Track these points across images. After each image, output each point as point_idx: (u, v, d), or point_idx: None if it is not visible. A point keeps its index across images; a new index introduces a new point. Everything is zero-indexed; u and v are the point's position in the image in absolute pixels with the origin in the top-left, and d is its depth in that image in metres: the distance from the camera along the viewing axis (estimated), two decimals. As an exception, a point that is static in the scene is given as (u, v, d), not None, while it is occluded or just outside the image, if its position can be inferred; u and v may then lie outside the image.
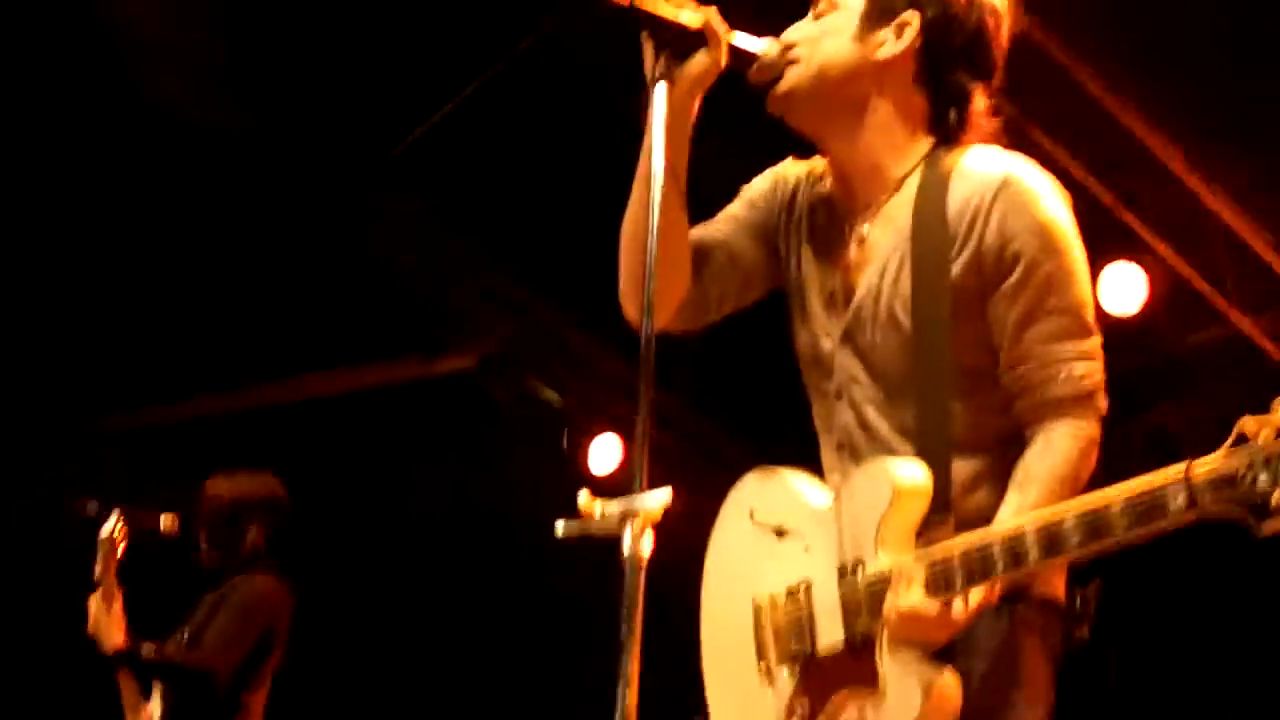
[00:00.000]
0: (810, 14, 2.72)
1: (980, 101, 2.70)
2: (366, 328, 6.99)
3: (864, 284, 2.63)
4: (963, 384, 2.56)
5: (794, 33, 2.68)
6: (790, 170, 2.86)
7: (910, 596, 2.36)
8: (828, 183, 2.78)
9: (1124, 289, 6.52)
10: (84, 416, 7.31)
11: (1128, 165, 6.15)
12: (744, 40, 2.64)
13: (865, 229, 2.67)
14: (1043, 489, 2.46)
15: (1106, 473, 7.27)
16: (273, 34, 5.68)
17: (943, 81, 2.66)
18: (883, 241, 2.63)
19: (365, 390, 7.27)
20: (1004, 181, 2.55)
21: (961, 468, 2.54)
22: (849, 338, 2.65)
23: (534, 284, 6.87)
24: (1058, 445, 2.51)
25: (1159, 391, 7.05)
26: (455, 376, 7.06)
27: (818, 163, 2.82)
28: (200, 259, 6.54)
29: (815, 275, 2.74)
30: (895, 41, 2.60)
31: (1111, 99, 5.95)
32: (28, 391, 6.96)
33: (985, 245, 2.52)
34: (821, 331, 2.72)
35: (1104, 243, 6.39)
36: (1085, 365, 2.55)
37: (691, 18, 2.56)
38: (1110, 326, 6.33)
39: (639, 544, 2.26)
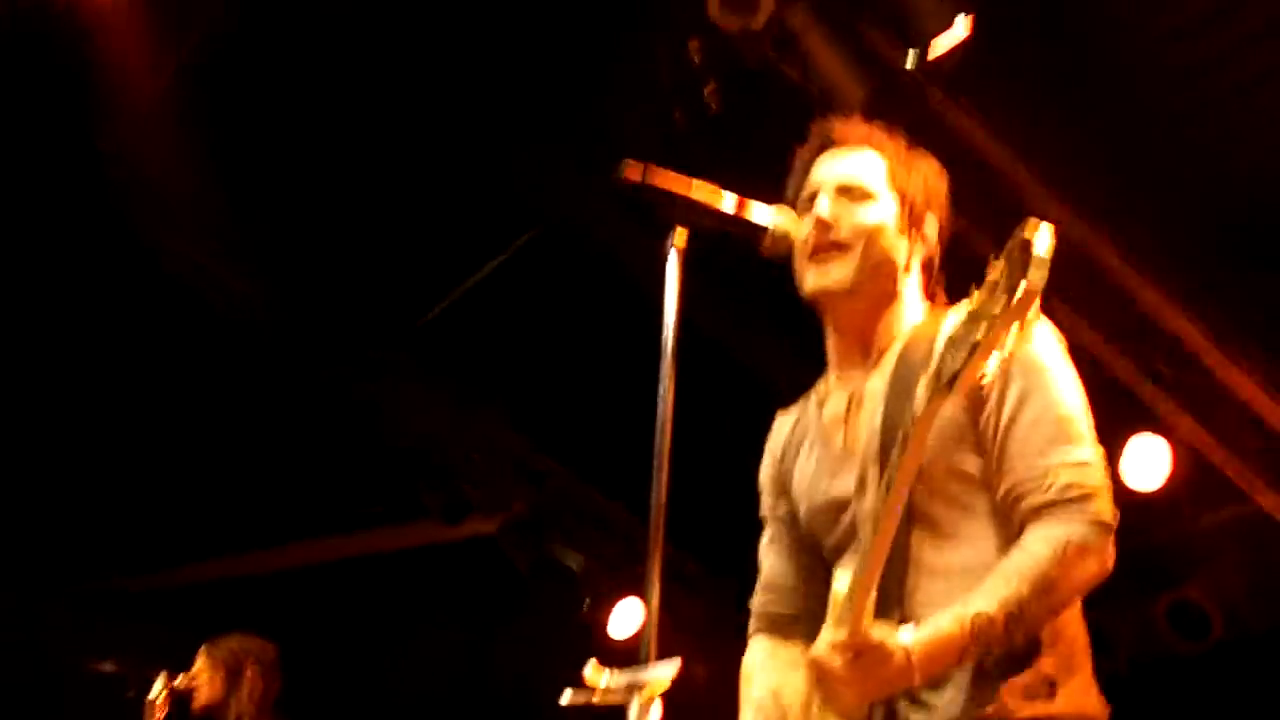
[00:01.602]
0: (833, 193, 2.83)
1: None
2: (390, 493, 7.02)
3: (864, 431, 2.75)
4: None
5: (834, 214, 2.81)
6: (781, 425, 3.02)
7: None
8: (821, 388, 2.93)
9: (1147, 464, 6.53)
10: (121, 576, 7.34)
11: (1148, 339, 6.19)
12: (754, 212, 2.70)
13: (862, 384, 2.80)
14: (994, 580, 2.49)
15: (1132, 649, 7.18)
16: (302, 206, 5.81)
17: (934, 270, 2.91)
18: (878, 389, 2.75)
19: (388, 554, 7.28)
20: None
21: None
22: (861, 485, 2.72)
23: (556, 450, 6.91)
24: (1027, 546, 2.51)
25: (1183, 567, 7.01)
26: (477, 541, 7.06)
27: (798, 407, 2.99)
28: (228, 424, 6.60)
29: (821, 449, 2.86)
30: (921, 248, 2.85)
31: (1131, 275, 6.02)
32: (32, 553, 6.98)
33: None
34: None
35: (1126, 418, 6.44)
36: (1073, 473, 2.55)
37: (703, 193, 2.63)
38: (1132, 502, 6.46)
39: (645, 716, 2.26)
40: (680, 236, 2.59)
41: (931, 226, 2.87)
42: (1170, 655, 6.94)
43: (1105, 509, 2.55)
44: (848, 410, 2.81)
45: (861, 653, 2.39)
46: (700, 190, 2.63)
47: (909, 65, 5.15)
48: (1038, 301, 2.10)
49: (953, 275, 2.89)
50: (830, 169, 2.86)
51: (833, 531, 2.77)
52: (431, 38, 5.38)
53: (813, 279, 2.80)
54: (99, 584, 7.40)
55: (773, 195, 2.84)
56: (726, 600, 7.58)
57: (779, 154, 3.04)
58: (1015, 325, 2.11)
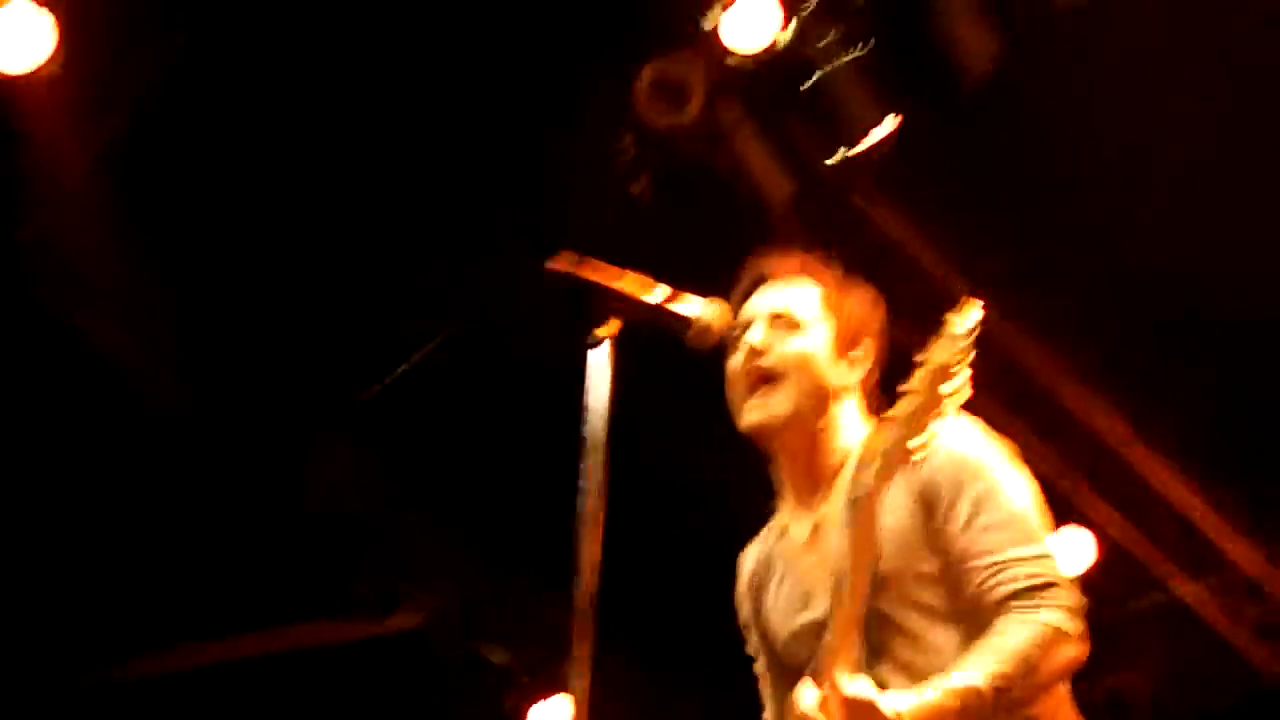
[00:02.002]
0: (766, 321, 2.93)
1: None
2: (314, 586, 6.94)
3: (832, 555, 2.77)
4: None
5: (765, 342, 2.91)
6: (745, 563, 3.09)
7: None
8: (779, 520, 3.00)
9: (1071, 554, 6.61)
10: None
11: (1068, 433, 6.28)
12: (680, 305, 2.72)
13: (820, 510, 2.86)
14: (978, 656, 2.53)
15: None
16: (227, 292, 5.78)
17: (873, 388, 2.97)
18: (837, 512, 2.80)
19: (311, 649, 7.18)
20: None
21: None
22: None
23: (484, 545, 6.88)
24: (1006, 629, 2.56)
25: (1108, 655, 7.06)
26: (403, 636, 6.99)
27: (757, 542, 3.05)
28: (145, 516, 6.51)
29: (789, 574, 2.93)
30: (859, 368, 2.94)
31: (1051, 370, 6.13)
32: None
33: (917, 493, 2.68)
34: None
35: (1051, 510, 6.51)
36: (1036, 565, 2.61)
37: (633, 285, 2.65)
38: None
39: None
40: (611, 327, 2.60)
41: (867, 349, 2.95)
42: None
43: (1074, 595, 2.61)
44: (812, 536, 2.87)
45: (852, 707, 2.39)
46: (631, 282, 2.65)
47: (833, 161, 5.25)
48: (963, 378, 2.15)
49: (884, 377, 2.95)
50: (764, 300, 2.96)
51: (813, 659, 2.76)
52: (361, 125, 5.40)
53: (751, 414, 2.88)
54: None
55: (706, 288, 2.87)
56: (659, 699, 7.57)
57: (710, 247, 3.09)
58: (942, 405, 2.15)
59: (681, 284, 2.76)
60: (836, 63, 4.95)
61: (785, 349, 2.88)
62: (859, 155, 5.18)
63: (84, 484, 6.38)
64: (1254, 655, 6.92)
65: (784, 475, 2.95)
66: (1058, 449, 6.31)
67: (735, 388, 2.91)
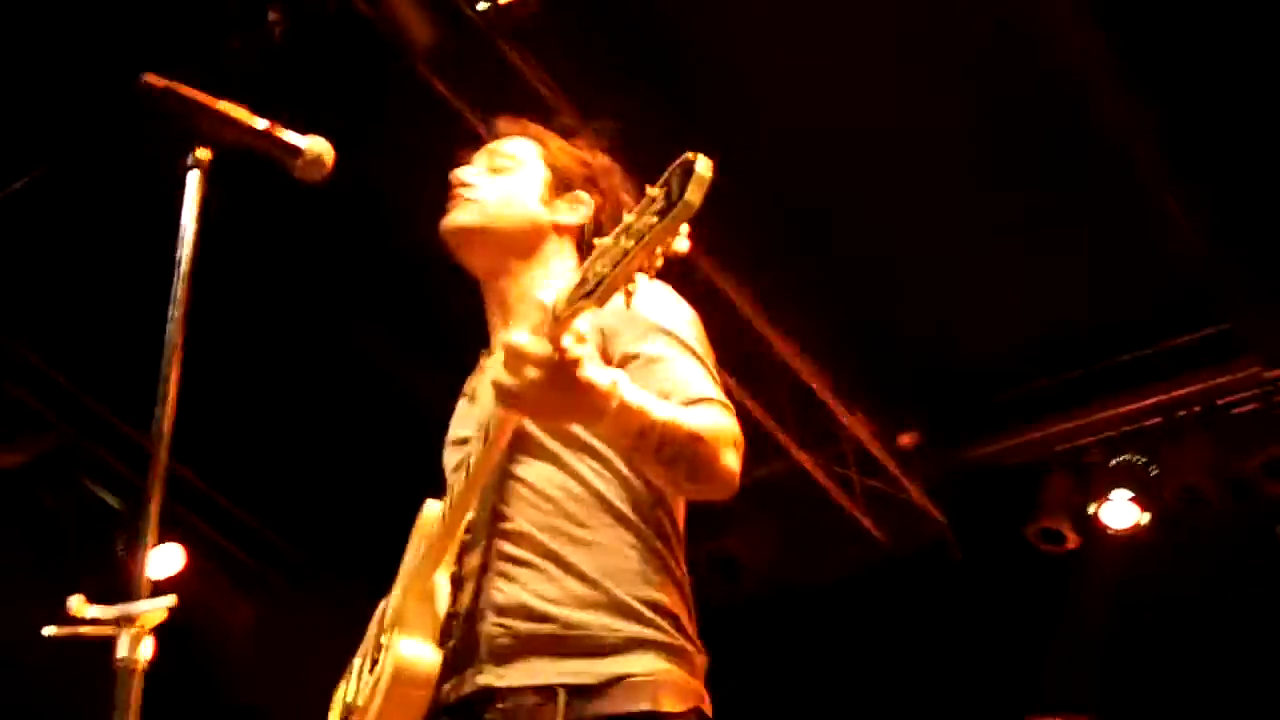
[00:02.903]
0: (480, 159, 3.02)
1: None
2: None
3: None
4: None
5: (470, 175, 2.98)
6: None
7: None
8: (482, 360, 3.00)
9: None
10: None
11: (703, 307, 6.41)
12: (288, 133, 2.61)
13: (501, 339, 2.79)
14: (663, 403, 2.48)
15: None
16: None
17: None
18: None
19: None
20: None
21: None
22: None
23: (91, 386, 6.63)
24: (694, 410, 2.52)
25: (724, 519, 7.32)
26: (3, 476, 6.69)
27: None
28: None
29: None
30: (569, 212, 2.97)
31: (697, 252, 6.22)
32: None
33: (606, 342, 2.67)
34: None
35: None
36: (706, 383, 2.62)
37: (235, 110, 2.52)
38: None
39: (135, 649, 2.17)
40: (203, 154, 2.46)
41: (585, 200, 2.97)
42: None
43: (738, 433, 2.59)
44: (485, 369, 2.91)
45: (565, 353, 2.25)
46: (227, 107, 2.52)
47: (483, 7, 5.17)
48: (685, 228, 2.07)
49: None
50: (483, 150, 3.05)
51: (453, 473, 2.78)
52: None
53: (442, 220, 2.94)
54: None
55: (328, 137, 2.75)
56: (272, 545, 7.49)
57: (339, 93, 2.97)
58: (665, 243, 2.07)
59: (305, 132, 2.65)
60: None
61: (491, 180, 2.97)
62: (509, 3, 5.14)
63: None
64: (863, 525, 7.27)
65: (488, 311, 2.97)
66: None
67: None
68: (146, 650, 2.19)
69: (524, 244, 2.91)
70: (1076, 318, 6.67)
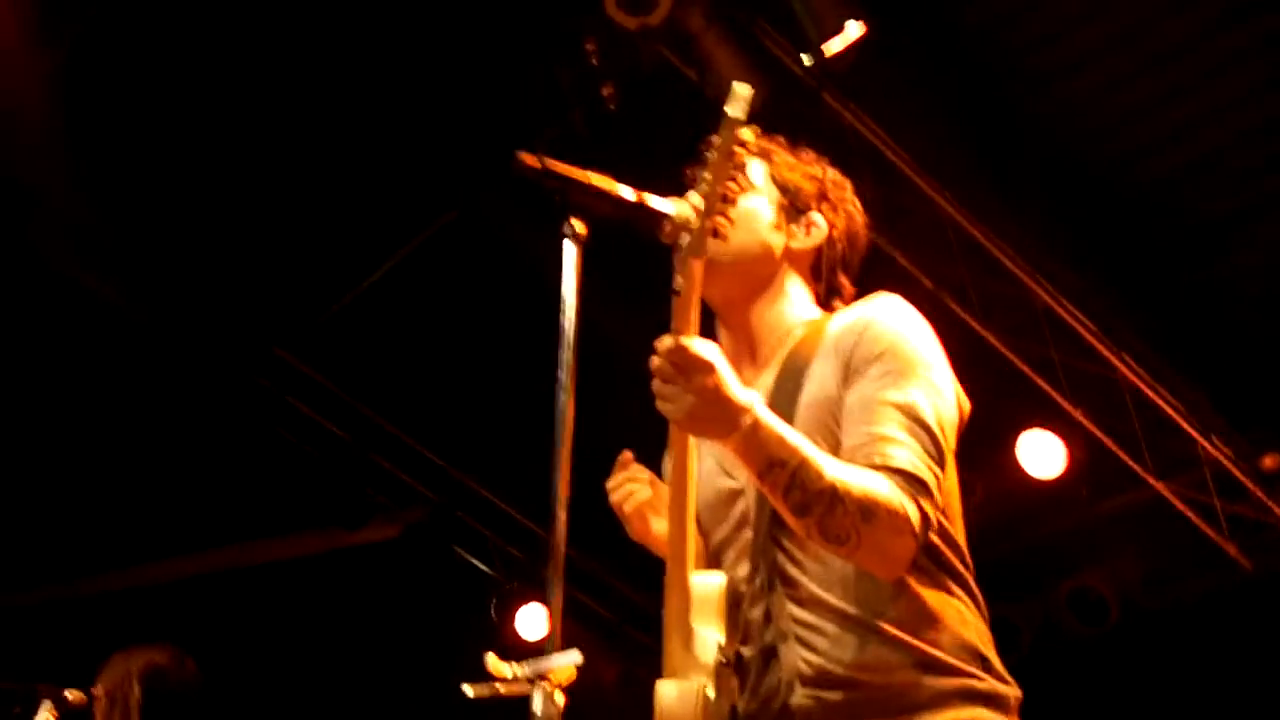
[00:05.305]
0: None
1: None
2: (291, 500, 6.96)
3: None
4: None
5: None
6: None
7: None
8: None
9: (1044, 454, 6.68)
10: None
11: (1042, 333, 6.31)
12: (654, 200, 2.69)
13: (759, 382, 2.75)
14: (834, 460, 2.41)
15: (1035, 642, 7.28)
16: (192, 206, 5.74)
17: (829, 275, 2.89)
18: (767, 385, 2.73)
19: (290, 561, 7.21)
20: (868, 312, 2.67)
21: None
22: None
23: (459, 457, 6.89)
24: (874, 474, 2.42)
25: (1083, 553, 7.16)
26: (380, 546, 7.02)
27: None
28: (122, 432, 6.51)
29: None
30: (804, 237, 2.85)
31: (1025, 272, 6.15)
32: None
33: (845, 360, 2.61)
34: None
35: (1023, 409, 6.56)
36: (918, 458, 2.46)
37: (602, 182, 2.61)
38: (1031, 490, 6.58)
39: (549, 706, 2.25)
40: (578, 226, 2.52)
41: (819, 223, 2.86)
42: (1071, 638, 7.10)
43: (935, 511, 2.47)
44: None
45: (685, 354, 2.31)
46: (598, 180, 2.61)
47: (806, 64, 5.21)
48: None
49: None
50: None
51: (721, 527, 2.73)
52: (324, 32, 5.34)
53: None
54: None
55: (668, 197, 2.84)
56: (632, 601, 7.64)
57: (677, 155, 3.04)
58: (732, 164, 2.24)
59: (647, 189, 2.74)
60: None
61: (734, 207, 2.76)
62: (832, 56, 5.15)
63: (53, 400, 6.37)
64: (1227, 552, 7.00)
65: (724, 347, 2.80)
66: (1029, 347, 6.35)
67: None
68: (558, 705, 2.28)
69: (762, 275, 2.82)
70: None
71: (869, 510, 2.36)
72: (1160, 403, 6.55)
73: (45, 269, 5.82)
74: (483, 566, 7.21)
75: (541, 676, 2.27)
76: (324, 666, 7.44)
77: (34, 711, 4.97)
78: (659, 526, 2.81)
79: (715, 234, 2.51)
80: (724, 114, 2.31)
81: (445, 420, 6.70)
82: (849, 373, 2.59)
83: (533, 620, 7.18)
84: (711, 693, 2.49)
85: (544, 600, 7.45)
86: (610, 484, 2.85)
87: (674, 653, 2.54)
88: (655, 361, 2.35)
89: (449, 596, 7.25)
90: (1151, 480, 6.67)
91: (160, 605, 7.03)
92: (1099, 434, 6.51)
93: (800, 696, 2.50)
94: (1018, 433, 6.68)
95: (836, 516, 2.35)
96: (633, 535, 2.87)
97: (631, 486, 2.84)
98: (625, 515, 2.84)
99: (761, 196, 2.86)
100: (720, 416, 2.34)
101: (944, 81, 5.57)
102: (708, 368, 2.32)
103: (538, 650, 2.33)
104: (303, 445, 6.71)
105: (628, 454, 2.88)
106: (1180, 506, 6.81)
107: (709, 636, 2.57)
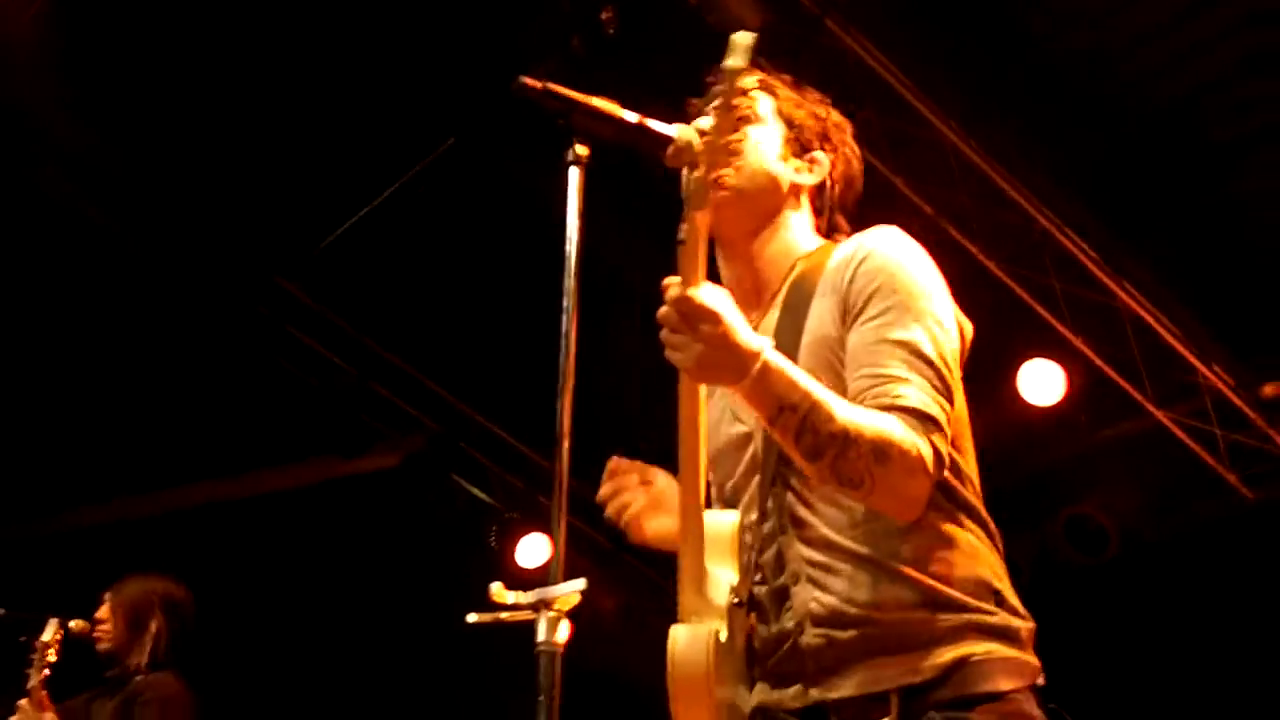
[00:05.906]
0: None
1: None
2: (290, 429, 6.96)
3: None
4: None
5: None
6: None
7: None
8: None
9: (1044, 382, 6.67)
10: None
11: (1042, 261, 6.29)
12: (657, 124, 2.66)
13: (764, 323, 2.74)
14: (844, 401, 2.39)
15: (1032, 565, 7.29)
16: (192, 134, 5.70)
17: (828, 211, 2.88)
18: (771, 325, 2.72)
19: (290, 490, 7.22)
20: (864, 244, 2.65)
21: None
22: None
23: (459, 385, 6.88)
24: (889, 416, 2.40)
25: (1082, 482, 7.17)
26: (379, 475, 7.03)
27: None
28: (120, 362, 6.50)
29: None
30: (808, 173, 2.84)
31: (1027, 200, 6.12)
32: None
33: (843, 296, 2.59)
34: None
35: (1023, 337, 6.56)
36: (912, 389, 2.44)
37: (607, 105, 2.58)
38: (1031, 419, 6.58)
39: (553, 632, 2.25)
40: (580, 150, 2.49)
41: (821, 160, 2.85)
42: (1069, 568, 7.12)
43: (946, 445, 2.45)
44: None
45: (691, 303, 2.27)
46: (600, 102, 2.57)
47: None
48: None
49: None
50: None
51: (734, 472, 2.73)
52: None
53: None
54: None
55: (669, 121, 2.80)
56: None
57: (676, 81, 3.00)
58: (735, 109, 2.20)
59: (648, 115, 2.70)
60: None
61: (742, 137, 2.79)
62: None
63: (52, 330, 6.35)
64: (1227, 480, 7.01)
65: (727, 282, 2.81)
66: (1030, 277, 6.32)
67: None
68: (564, 633, 2.27)
69: (768, 206, 2.80)
70: None
71: (882, 452, 2.35)
72: (1161, 331, 6.54)
73: (44, 197, 5.78)
74: (483, 496, 7.21)
75: (546, 603, 2.27)
76: (324, 596, 7.47)
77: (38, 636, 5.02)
78: (656, 525, 2.79)
79: (719, 185, 2.51)
80: (724, 69, 2.21)
81: (445, 349, 6.69)
82: (847, 309, 2.58)
83: (533, 550, 7.19)
84: (724, 635, 2.48)
85: (544, 529, 7.54)
86: (601, 495, 2.80)
87: (688, 599, 2.52)
88: (663, 311, 2.32)
89: (449, 526, 7.26)
90: (1152, 408, 6.67)
91: (160, 535, 7.04)
92: (1099, 362, 6.50)
93: (811, 636, 2.51)
94: (1018, 361, 6.68)
95: (850, 459, 2.34)
96: (633, 541, 2.84)
97: (625, 498, 2.79)
98: (622, 526, 2.80)
99: (768, 128, 2.84)
100: (729, 363, 2.32)
101: (945, 6, 5.52)
102: (715, 317, 2.29)
103: (539, 580, 2.33)
104: (303, 374, 6.70)
105: (615, 461, 2.84)
106: (1180, 435, 6.81)
107: (722, 576, 2.58)
